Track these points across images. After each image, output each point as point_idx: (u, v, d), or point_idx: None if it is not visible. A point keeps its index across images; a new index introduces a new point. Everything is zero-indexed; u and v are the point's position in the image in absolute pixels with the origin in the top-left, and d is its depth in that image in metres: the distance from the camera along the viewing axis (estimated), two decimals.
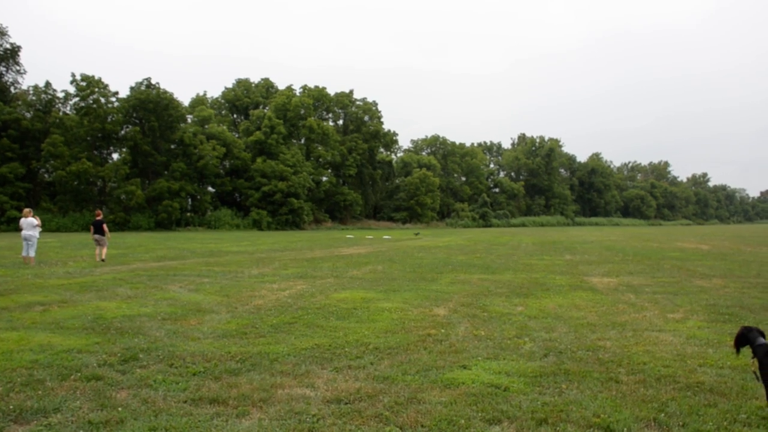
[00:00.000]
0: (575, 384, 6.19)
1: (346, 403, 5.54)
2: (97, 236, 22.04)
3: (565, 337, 8.44)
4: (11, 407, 5.33)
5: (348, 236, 54.01)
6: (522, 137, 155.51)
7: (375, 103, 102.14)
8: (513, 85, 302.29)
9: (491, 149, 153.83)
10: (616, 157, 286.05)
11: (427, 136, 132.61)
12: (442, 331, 8.86)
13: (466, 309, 10.94)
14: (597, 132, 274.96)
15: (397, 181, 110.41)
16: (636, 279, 16.27)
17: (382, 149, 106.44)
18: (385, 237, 51.97)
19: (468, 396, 5.75)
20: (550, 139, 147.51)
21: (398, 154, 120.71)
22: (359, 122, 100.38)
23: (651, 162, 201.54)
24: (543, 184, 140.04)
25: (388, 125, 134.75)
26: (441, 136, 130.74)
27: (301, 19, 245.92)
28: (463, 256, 25.18)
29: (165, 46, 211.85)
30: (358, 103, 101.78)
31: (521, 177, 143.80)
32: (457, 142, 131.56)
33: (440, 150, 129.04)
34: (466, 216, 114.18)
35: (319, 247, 32.76)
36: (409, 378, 6.37)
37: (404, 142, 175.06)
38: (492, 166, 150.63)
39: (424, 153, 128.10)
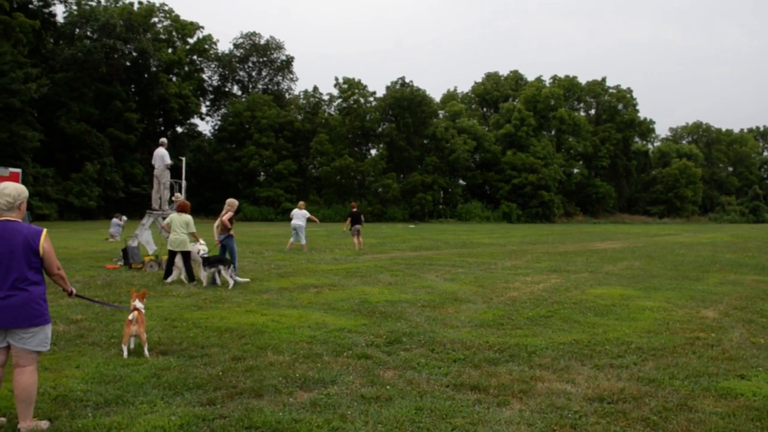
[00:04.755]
0: None
1: (609, 403, 5.35)
2: (357, 226, 23.59)
3: None
4: (297, 375, 6.01)
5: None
6: None
7: (629, 90, 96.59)
8: None
9: (765, 135, 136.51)
10: None
11: (687, 123, 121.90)
12: (713, 335, 8.16)
13: (739, 313, 9.95)
14: None
15: (653, 173, 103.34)
16: None
17: (637, 139, 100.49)
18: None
19: (748, 410, 5.22)
20: None
21: (655, 144, 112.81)
22: (612, 111, 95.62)
23: None
24: None
25: (643, 113, 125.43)
26: (704, 122, 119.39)
27: (548, 7, 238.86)
28: (732, 255, 22.89)
29: (415, 42, 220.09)
30: (611, 91, 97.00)
31: None
32: (723, 129, 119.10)
33: (703, 138, 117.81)
34: (732, 210, 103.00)
35: (571, 241, 31.91)
36: (678, 383, 5.96)
37: (661, 130, 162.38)
38: (766, 154, 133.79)
39: (684, 142, 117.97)
